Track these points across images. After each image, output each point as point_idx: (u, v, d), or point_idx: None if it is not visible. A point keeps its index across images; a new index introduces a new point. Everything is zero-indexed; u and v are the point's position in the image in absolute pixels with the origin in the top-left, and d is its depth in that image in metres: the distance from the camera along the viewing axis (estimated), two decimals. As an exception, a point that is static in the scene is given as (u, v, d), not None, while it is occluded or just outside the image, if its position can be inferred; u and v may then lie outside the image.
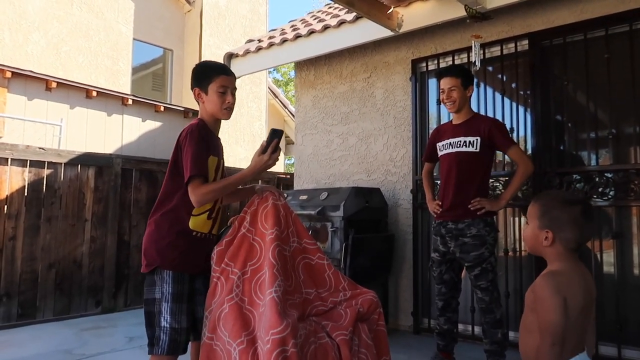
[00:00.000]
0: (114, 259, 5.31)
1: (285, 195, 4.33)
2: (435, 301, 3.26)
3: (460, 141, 3.05)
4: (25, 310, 4.62)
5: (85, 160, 5.13)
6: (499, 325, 2.93)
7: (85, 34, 7.36)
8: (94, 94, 6.65)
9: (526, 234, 1.56)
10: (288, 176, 7.51)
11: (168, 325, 2.00)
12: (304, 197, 4.18)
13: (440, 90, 3.11)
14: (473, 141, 3.01)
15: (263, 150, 2.01)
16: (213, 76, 2.15)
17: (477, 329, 3.73)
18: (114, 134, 7.03)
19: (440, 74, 3.18)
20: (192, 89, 2.21)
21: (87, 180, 5.15)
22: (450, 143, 3.10)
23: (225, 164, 2.31)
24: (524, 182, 3.16)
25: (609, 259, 3.44)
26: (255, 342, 1.83)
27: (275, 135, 2.01)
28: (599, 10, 3.48)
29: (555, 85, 3.72)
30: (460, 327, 3.76)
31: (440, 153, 3.18)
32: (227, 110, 2.18)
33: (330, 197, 3.96)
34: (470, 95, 3.13)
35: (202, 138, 2.06)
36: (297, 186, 5.22)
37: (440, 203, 3.11)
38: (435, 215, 3.17)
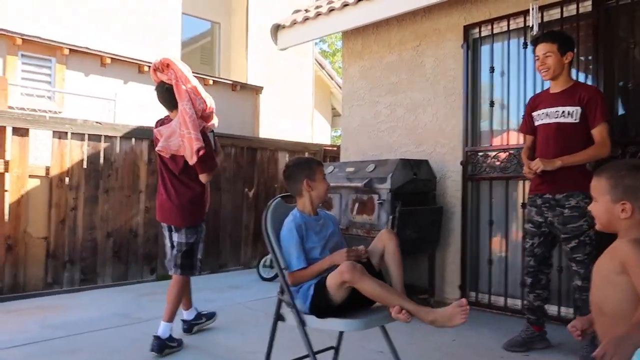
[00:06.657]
0: (168, 229, 5.48)
1: (332, 168, 4.32)
2: (524, 277, 3.16)
3: (559, 111, 2.92)
4: (87, 276, 4.90)
5: (139, 133, 5.27)
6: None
7: (136, 10, 7.49)
8: (146, 68, 6.75)
9: (597, 212, 1.50)
10: (335, 148, 7.48)
11: (200, 257, 3.22)
12: (351, 169, 4.15)
13: (535, 58, 2.98)
14: (572, 111, 2.87)
15: None
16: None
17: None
18: (165, 107, 7.18)
19: (535, 40, 3.05)
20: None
21: (140, 153, 5.31)
22: (547, 113, 2.97)
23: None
24: (590, 162, 2.92)
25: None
26: None
27: None
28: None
29: (620, 49, 3.47)
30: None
31: (536, 123, 3.06)
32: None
33: (378, 169, 3.91)
34: (570, 62, 2.96)
35: None
36: (343, 158, 5.19)
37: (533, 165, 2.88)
38: (530, 180, 3.03)
